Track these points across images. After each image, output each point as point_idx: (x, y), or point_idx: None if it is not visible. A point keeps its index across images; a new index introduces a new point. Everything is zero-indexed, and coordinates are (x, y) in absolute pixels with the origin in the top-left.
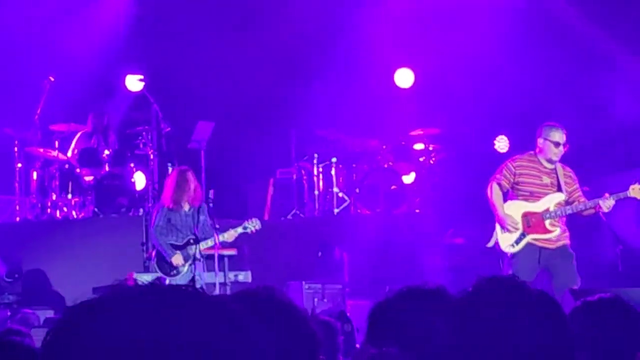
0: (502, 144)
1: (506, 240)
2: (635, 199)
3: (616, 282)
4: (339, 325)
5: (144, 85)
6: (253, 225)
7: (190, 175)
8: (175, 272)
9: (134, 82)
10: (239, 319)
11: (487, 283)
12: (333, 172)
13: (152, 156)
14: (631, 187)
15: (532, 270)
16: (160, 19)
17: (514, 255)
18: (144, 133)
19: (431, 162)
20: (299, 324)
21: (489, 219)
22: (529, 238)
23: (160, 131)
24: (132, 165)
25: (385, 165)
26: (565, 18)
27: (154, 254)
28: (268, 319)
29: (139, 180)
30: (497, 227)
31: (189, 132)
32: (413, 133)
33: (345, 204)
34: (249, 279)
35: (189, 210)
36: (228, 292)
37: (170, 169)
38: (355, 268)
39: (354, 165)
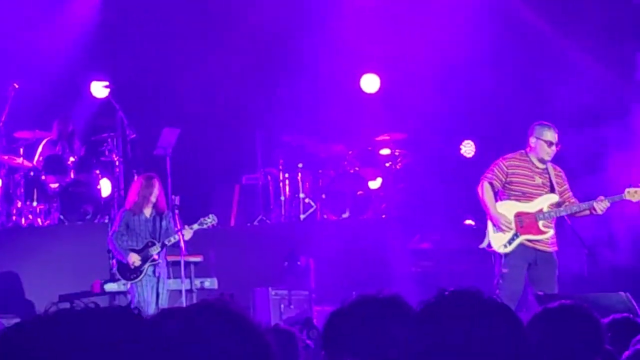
0: (468, 148)
1: (499, 240)
2: (629, 201)
3: (582, 287)
4: (304, 333)
5: (110, 92)
6: (209, 220)
7: (155, 182)
8: (134, 276)
9: (99, 89)
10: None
11: (448, 294)
12: (299, 177)
13: (117, 163)
14: (626, 190)
15: (522, 271)
16: (126, 25)
17: (506, 255)
18: (109, 140)
19: (397, 167)
20: (252, 335)
21: (456, 223)
22: (522, 239)
23: (126, 138)
24: (97, 172)
25: (352, 171)
26: (532, 23)
27: (114, 261)
28: (220, 331)
29: (105, 187)
30: (490, 226)
31: (154, 138)
32: (379, 138)
33: (311, 210)
34: (215, 286)
35: (150, 216)
36: (194, 299)
37: (135, 176)
38: (322, 274)
39: (320, 170)
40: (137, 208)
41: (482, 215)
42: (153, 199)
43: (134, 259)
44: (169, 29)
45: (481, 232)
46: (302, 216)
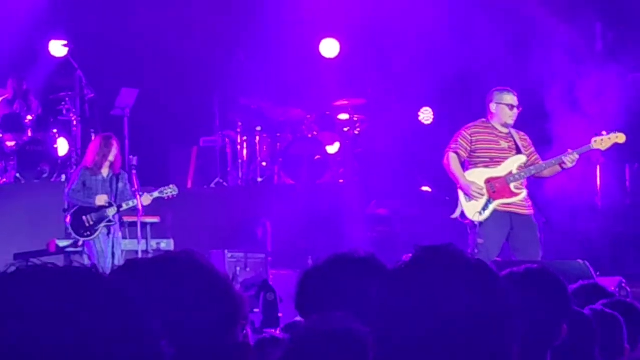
0: (426, 115)
1: (473, 209)
2: (598, 150)
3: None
4: (261, 295)
5: (68, 51)
6: (170, 190)
7: (113, 142)
8: (88, 233)
9: (58, 48)
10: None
11: (425, 251)
12: (257, 141)
13: (75, 122)
14: (593, 139)
15: (500, 239)
16: None
17: (481, 224)
18: (67, 99)
19: (355, 132)
20: (220, 286)
21: (413, 189)
22: (496, 204)
23: (84, 97)
24: (54, 131)
25: (310, 135)
26: None
27: (69, 218)
28: (188, 282)
29: (62, 146)
30: (461, 196)
31: (112, 98)
32: (338, 103)
33: (267, 175)
34: (172, 247)
35: (107, 176)
36: None
37: (93, 136)
38: (278, 238)
39: (278, 134)
40: (95, 167)
41: (439, 181)
42: (111, 158)
43: (101, 201)
44: None
45: (437, 199)
46: (259, 179)
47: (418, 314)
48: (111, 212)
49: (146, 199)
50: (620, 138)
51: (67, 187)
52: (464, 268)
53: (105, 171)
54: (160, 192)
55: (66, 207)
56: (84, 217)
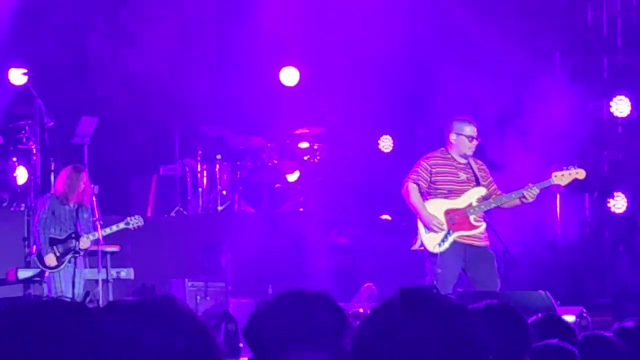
0: (386, 143)
1: (432, 240)
2: (558, 185)
3: (501, 286)
4: (222, 325)
5: (28, 79)
6: (135, 221)
7: (83, 175)
8: (55, 266)
9: (17, 76)
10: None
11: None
12: (217, 169)
13: (34, 151)
14: (553, 174)
15: (456, 269)
16: (45, 11)
17: (441, 254)
18: (27, 127)
19: (316, 160)
20: (198, 331)
21: (373, 218)
22: (454, 236)
23: (44, 125)
24: (14, 159)
25: (270, 163)
26: (452, 18)
27: (34, 248)
28: (169, 327)
29: (21, 174)
30: (420, 227)
31: (72, 127)
32: (298, 131)
33: (228, 202)
34: (132, 276)
35: (73, 206)
36: (110, 288)
37: (53, 164)
38: (239, 266)
39: (238, 162)
40: (64, 197)
41: (398, 210)
42: (80, 190)
43: (51, 261)
44: (90, 16)
45: (397, 228)
46: (219, 208)
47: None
48: (74, 243)
49: (111, 230)
50: (580, 174)
51: (35, 216)
52: (446, 310)
53: (72, 201)
54: (126, 224)
55: (25, 235)
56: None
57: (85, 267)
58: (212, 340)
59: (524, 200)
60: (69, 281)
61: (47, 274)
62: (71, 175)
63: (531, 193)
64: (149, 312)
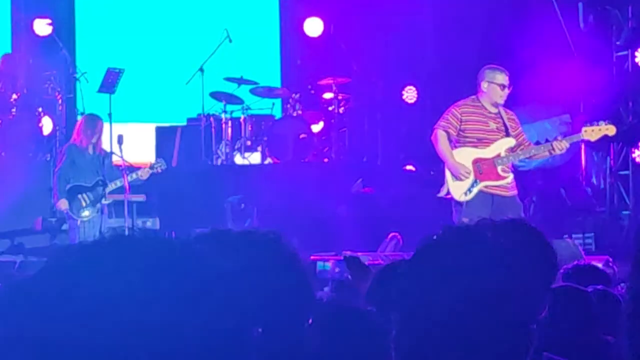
0: (410, 94)
1: (459, 189)
2: (588, 140)
3: None
4: None
5: (53, 30)
6: (159, 164)
7: (99, 122)
8: (86, 212)
9: (42, 26)
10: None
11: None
12: (242, 120)
13: (60, 101)
14: (583, 129)
15: (485, 217)
16: None
17: (467, 203)
18: (52, 78)
19: (340, 111)
20: (304, 274)
21: (397, 168)
22: (481, 185)
23: (69, 76)
24: (39, 110)
25: (294, 114)
26: None
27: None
28: (274, 263)
29: (47, 125)
30: (448, 175)
31: (97, 78)
32: (322, 82)
33: (252, 153)
34: (157, 226)
35: (95, 154)
36: None
37: (79, 115)
38: (263, 217)
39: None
40: (82, 145)
41: (422, 160)
42: (94, 139)
43: (64, 205)
44: None
45: (421, 178)
46: (244, 158)
47: (446, 294)
48: (109, 188)
49: (144, 173)
50: (611, 130)
51: (56, 167)
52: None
53: (90, 149)
54: (150, 167)
55: (50, 185)
56: (79, 196)
57: (111, 217)
58: (310, 286)
59: (552, 152)
60: (96, 230)
61: (78, 222)
62: (87, 123)
63: (560, 146)
64: (254, 245)
